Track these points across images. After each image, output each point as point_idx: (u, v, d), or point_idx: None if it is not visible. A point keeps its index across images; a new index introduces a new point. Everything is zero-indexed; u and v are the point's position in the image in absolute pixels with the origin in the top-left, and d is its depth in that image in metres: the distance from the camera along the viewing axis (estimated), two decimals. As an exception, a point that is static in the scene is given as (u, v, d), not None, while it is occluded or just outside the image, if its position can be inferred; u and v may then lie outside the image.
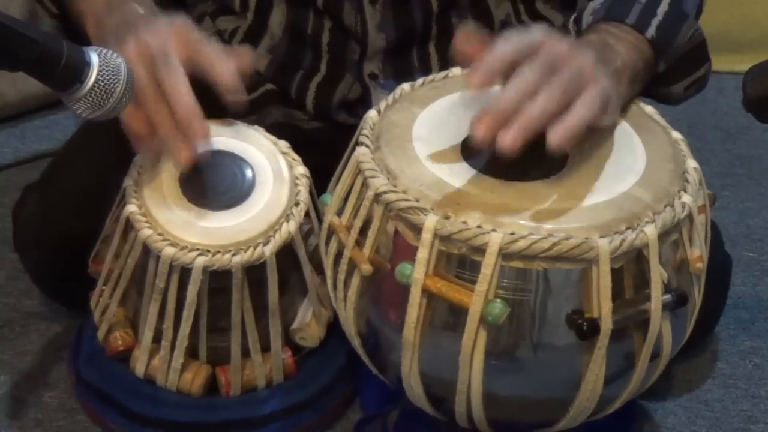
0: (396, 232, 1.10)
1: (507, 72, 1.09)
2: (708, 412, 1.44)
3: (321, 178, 1.25)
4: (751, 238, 1.72)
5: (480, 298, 1.06)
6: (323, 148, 1.29)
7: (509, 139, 1.06)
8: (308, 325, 1.33)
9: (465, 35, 1.13)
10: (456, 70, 1.24)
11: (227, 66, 1.23)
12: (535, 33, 1.12)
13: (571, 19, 1.29)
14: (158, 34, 1.23)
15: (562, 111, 1.08)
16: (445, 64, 1.39)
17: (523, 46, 1.10)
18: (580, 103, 1.09)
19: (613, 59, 1.18)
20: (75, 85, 1.12)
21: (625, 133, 1.18)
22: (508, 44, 1.09)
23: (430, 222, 1.06)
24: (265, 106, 1.45)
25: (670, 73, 1.26)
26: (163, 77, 1.21)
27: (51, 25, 1.35)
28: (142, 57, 1.21)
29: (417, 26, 1.40)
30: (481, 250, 1.05)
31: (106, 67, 1.12)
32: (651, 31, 1.21)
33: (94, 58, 1.12)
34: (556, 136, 1.07)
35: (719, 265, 1.39)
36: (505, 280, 1.06)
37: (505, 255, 1.05)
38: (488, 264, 1.05)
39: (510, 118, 1.07)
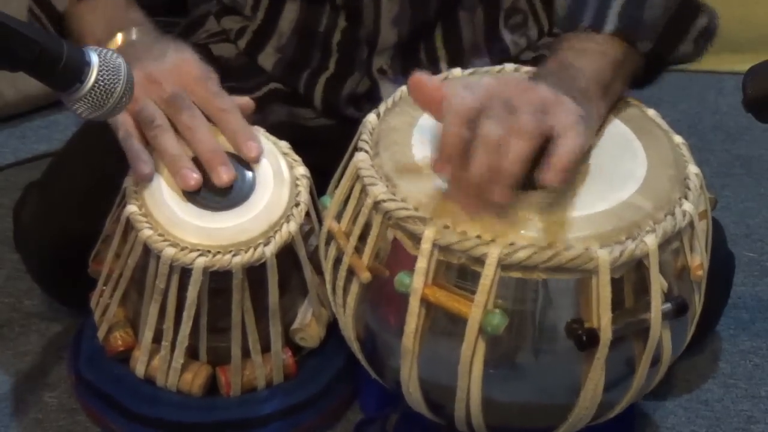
0: (395, 239, 1.10)
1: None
2: (708, 412, 1.44)
3: (323, 176, 1.25)
4: (751, 238, 1.72)
5: (479, 308, 1.05)
6: (326, 145, 1.29)
7: (498, 197, 1.04)
8: (308, 326, 1.33)
9: (416, 83, 1.09)
10: (456, 71, 1.23)
11: (250, 139, 1.26)
12: (483, 81, 1.09)
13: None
14: (168, 71, 1.25)
15: (541, 141, 1.04)
16: (453, 56, 1.39)
17: (474, 100, 1.05)
18: (562, 137, 1.05)
19: (577, 78, 1.14)
20: (75, 85, 1.12)
21: (625, 137, 1.17)
22: (461, 103, 1.05)
23: (430, 232, 1.06)
24: (268, 104, 1.44)
25: (666, 41, 1.22)
26: (184, 119, 1.24)
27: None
28: (153, 93, 1.23)
29: (431, 20, 1.40)
30: (480, 260, 1.05)
31: (106, 67, 1.12)
32: (610, 26, 1.18)
33: (94, 58, 1.12)
34: (548, 178, 1.03)
35: (722, 264, 1.38)
36: (505, 291, 1.06)
37: (504, 266, 1.05)
38: (487, 275, 1.04)
39: (490, 179, 1.03)
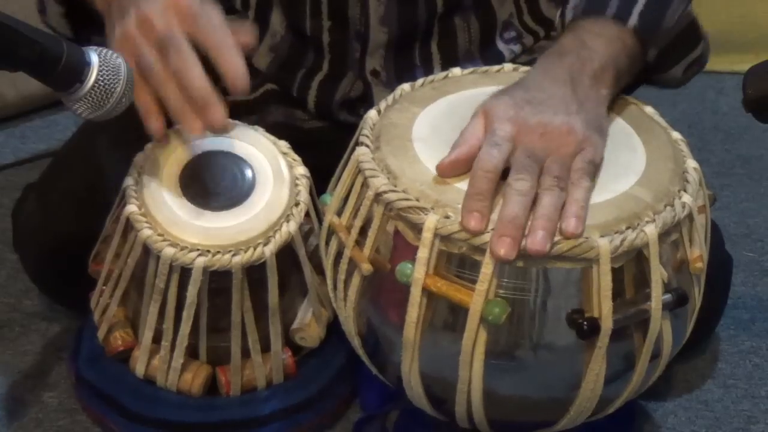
0: (396, 231, 1.10)
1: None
2: (708, 412, 1.44)
3: (321, 178, 1.25)
4: (751, 238, 1.72)
5: (480, 297, 1.06)
6: (323, 147, 1.29)
7: (538, 246, 1.04)
8: (308, 326, 1.33)
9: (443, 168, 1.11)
10: (456, 71, 1.24)
11: (237, 61, 1.20)
12: (502, 129, 1.10)
13: (557, 14, 1.28)
14: (161, 11, 1.19)
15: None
16: (447, 63, 1.38)
17: (499, 157, 1.08)
18: (577, 191, 1.07)
19: (591, 59, 1.16)
20: (75, 85, 1.12)
21: (625, 132, 1.18)
22: (488, 161, 1.08)
23: (431, 221, 1.06)
24: (265, 105, 1.44)
25: (664, 58, 1.24)
26: (173, 61, 1.18)
27: (57, 11, 1.34)
28: (146, 35, 1.18)
29: (420, 23, 1.40)
30: (481, 249, 1.05)
31: (106, 67, 1.12)
32: (633, 21, 1.19)
33: (94, 58, 1.12)
34: (570, 230, 1.05)
35: (720, 265, 1.39)
36: (506, 280, 1.06)
37: None
38: (488, 263, 1.05)
39: (524, 225, 1.05)
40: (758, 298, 1.61)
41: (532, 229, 1.04)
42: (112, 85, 1.13)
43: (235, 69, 1.20)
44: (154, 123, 1.22)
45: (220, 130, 1.23)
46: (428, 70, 1.39)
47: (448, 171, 1.10)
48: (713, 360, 1.51)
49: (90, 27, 1.32)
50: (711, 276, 1.18)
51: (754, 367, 1.50)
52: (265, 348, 1.31)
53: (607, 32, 1.19)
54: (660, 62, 1.24)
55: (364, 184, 1.12)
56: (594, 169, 1.10)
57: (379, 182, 1.10)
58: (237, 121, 1.32)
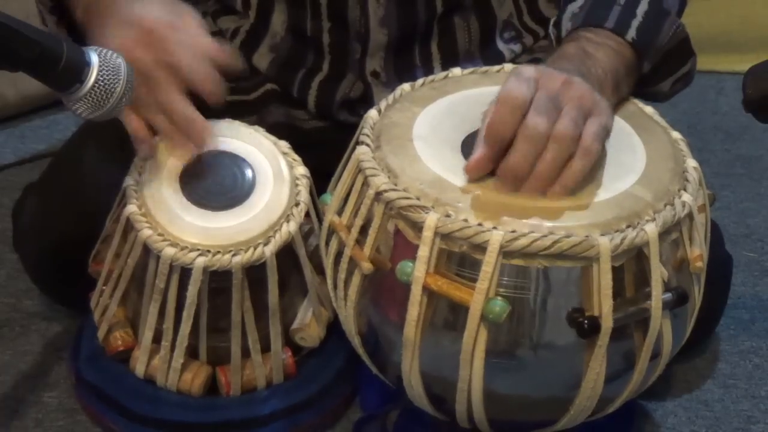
0: (396, 230, 1.10)
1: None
2: (708, 412, 1.44)
3: (321, 178, 1.25)
4: (751, 238, 1.72)
5: (481, 296, 1.06)
6: (324, 147, 1.29)
7: (534, 192, 1.08)
8: (308, 326, 1.33)
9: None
10: (456, 71, 1.24)
11: (207, 74, 1.25)
12: (527, 71, 1.12)
13: (551, 23, 1.29)
14: (134, 44, 1.22)
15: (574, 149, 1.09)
16: (447, 63, 1.39)
17: (525, 92, 1.09)
18: (583, 160, 1.09)
19: (594, 68, 1.17)
20: (75, 85, 1.12)
21: (625, 132, 1.18)
22: (514, 93, 1.09)
23: (431, 220, 1.06)
24: (265, 105, 1.45)
25: (655, 72, 1.25)
26: (155, 94, 1.23)
27: (52, 20, 1.35)
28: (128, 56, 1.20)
29: (419, 23, 1.40)
30: (481, 248, 1.05)
31: (106, 67, 1.12)
32: (631, 34, 1.21)
33: (94, 58, 1.12)
34: (561, 186, 1.09)
35: (720, 265, 1.39)
36: (506, 278, 1.07)
37: (505, 253, 1.05)
38: (489, 262, 1.05)
39: (526, 174, 1.08)
40: (758, 298, 1.61)
41: (531, 177, 1.08)
42: (112, 85, 1.13)
43: (205, 83, 1.25)
44: (145, 149, 1.27)
45: (208, 145, 1.27)
46: (428, 71, 1.39)
47: (474, 172, 1.10)
48: (713, 360, 1.51)
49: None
50: (711, 276, 1.18)
51: (754, 367, 1.50)
52: (265, 348, 1.31)
53: (608, 44, 1.21)
54: (651, 76, 1.25)
55: (365, 183, 1.12)
56: (606, 136, 1.11)
57: (380, 181, 1.10)
58: (237, 121, 1.33)
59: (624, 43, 1.21)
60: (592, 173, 1.12)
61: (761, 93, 1.18)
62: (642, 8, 1.23)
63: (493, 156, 1.09)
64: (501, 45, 1.45)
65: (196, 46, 1.25)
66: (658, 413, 1.43)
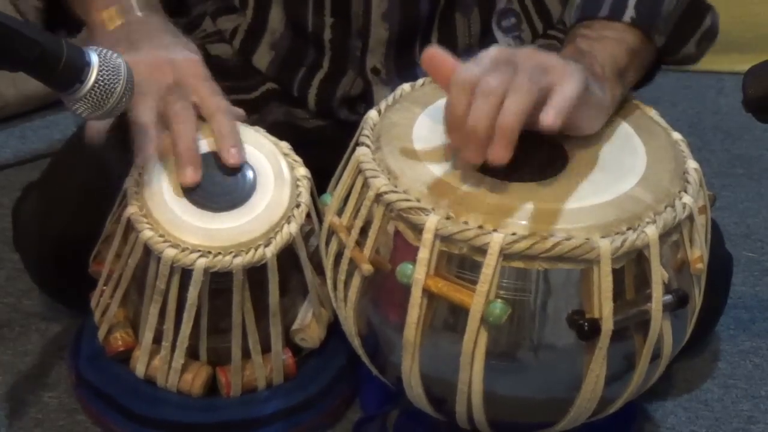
0: (396, 232, 1.10)
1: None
2: (708, 412, 1.44)
3: (322, 177, 1.25)
4: (751, 238, 1.72)
5: (481, 298, 1.06)
6: (324, 146, 1.29)
7: (498, 156, 1.07)
8: (308, 326, 1.33)
9: (430, 55, 1.12)
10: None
11: (235, 146, 1.26)
12: (491, 51, 1.11)
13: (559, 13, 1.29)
14: (176, 65, 1.25)
15: (539, 102, 1.07)
16: None
17: (480, 70, 1.08)
18: (559, 85, 1.08)
19: (593, 64, 1.16)
20: (75, 85, 1.12)
21: (625, 133, 1.18)
22: (467, 73, 1.08)
23: (431, 222, 1.06)
24: (266, 104, 1.45)
25: (673, 39, 1.23)
26: (175, 107, 1.24)
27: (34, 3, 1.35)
28: (159, 79, 1.23)
29: (421, 18, 1.40)
30: (482, 250, 1.05)
31: (106, 67, 1.12)
32: (629, 14, 1.19)
33: (94, 58, 1.12)
34: (548, 119, 1.06)
35: (720, 265, 1.39)
36: (506, 281, 1.07)
37: (506, 255, 1.05)
38: (489, 264, 1.05)
39: (488, 133, 1.06)
40: (758, 298, 1.61)
41: (494, 137, 1.06)
42: (112, 85, 1.13)
43: (230, 141, 1.26)
44: (152, 146, 1.26)
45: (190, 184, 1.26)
46: None
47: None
48: (713, 360, 1.51)
49: (63, 26, 1.33)
50: (711, 276, 1.18)
51: (754, 367, 1.50)
52: (266, 349, 1.31)
53: (604, 35, 1.19)
54: (670, 45, 1.23)
55: (365, 185, 1.12)
56: (583, 84, 1.10)
57: (380, 183, 1.10)
58: (238, 122, 1.32)
59: (624, 27, 1.19)
60: (593, 175, 1.12)
61: (761, 93, 1.18)
62: None
63: (462, 140, 1.08)
64: (499, 35, 1.45)
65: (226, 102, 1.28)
66: (658, 413, 1.43)
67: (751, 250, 1.69)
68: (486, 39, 1.44)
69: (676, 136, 1.19)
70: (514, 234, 1.05)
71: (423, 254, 1.07)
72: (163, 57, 1.26)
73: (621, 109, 1.21)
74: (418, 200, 1.08)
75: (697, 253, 1.13)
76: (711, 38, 1.27)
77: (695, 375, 1.48)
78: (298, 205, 1.27)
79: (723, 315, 1.49)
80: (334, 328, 1.32)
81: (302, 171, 1.30)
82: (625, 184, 1.11)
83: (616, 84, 1.18)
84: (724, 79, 2.02)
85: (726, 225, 1.66)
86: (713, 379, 1.48)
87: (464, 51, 1.43)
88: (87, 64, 1.12)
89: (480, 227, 1.06)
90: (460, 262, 1.08)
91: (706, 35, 1.26)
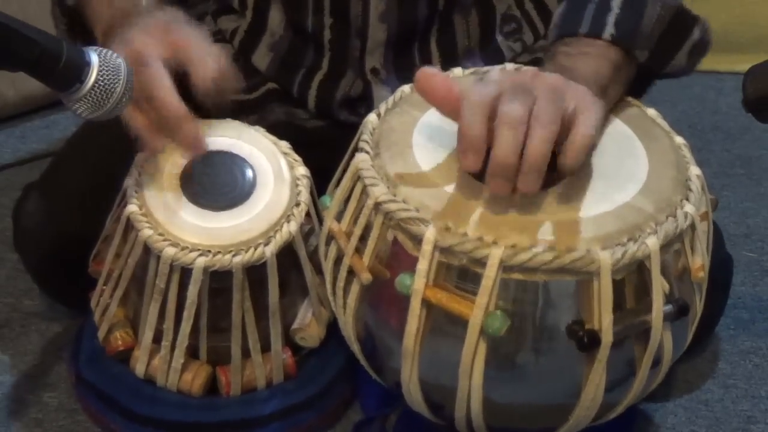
0: (396, 240, 1.09)
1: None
2: (708, 412, 1.44)
3: (322, 177, 1.25)
4: (751, 238, 1.72)
5: (480, 310, 1.04)
6: (324, 147, 1.29)
7: (530, 187, 1.04)
8: (308, 326, 1.33)
9: (426, 78, 1.09)
10: (457, 71, 1.22)
11: (205, 68, 1.22)
12: (492, 74, 1.10)
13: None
14: (143, 33, 1.22)
15: (560, 126, 1.05)
16: (447, 61, 1.39)
17: (491, 91, 1.06)
18: (581, 114, 1.06)
19: (575, 80, 1.13)
20: (75, 85, 1.12)
21: (627, 138, 1.16)
22: (480, 96, 1.05)
23: (431, 233, 1.05)
24: (266, 105, 1.45)
25: (658, 53, 1.22)
26: (143, 80, 1.20)
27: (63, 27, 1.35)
28: (131, 58, 1.19)
29: (420, 20, 1.40)
30: (481, 262, 1.04)
31: (106, 67, 1.12)
32: (609, 31, 1.18)
33: (94, 58, 1.12)
34: (568, 159, 1.06)
35: (720, 265, 1.38)
36: (506, 292, 1.05)
37: (506, 267, 1.04)
38: (489, 276, 1.03)
39: (518, 164, 1.04)
40: (758, 298, 1.61)
41: (523, 169, 1.03)
42: (112, 85, 1.13)
43: (203, 74, 1.22)
44: (152, 147, 1.25)
45: (199, 149, 1.24)
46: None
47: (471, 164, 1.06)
48: (713, 360, 1.51)
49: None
50: (711, 276, 1.17)
51: (754, 367, 1.50)
52: (266, 348, 1.31)
53: (585, 51, 1.18)
54: (656, 59, 1.22)
55: (364, 192, 1.11)
56: (600, 113, 1.09)
57: (379, 191, 1.09)
58: (238, 121, 1.33)
59: (604, 44, 1.18)
60: (594, 183, 1.10)
61: (761, 93, 1.18)
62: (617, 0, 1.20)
63: (477, 163, 1.05)
64: (500, 40, 1.45)
65: (206, 42, 1.24)
66: (658, 413, 1.43)
67: (751, 250, 1.69)
68: (486, 41, 1.44)
69: (679, 140, 1.17)
70: (514, 246, 1.04)
71: (422, 265, 1.05)
72: (129, 33, 1.22)
73: (622, 112, 1.19)
74: (417, 210, 1.07)
75: (699, 262, 1.12)
76: (702, 50, 1.25)
77: (695, 375, 1.48)
78: (297, 204, 1.27)
79: (723, 315, 1.49)
80: (334, 327, 1.32)
81: (302, 170, 1.30)
82: (626, 192, 1.09)
83: (600, 98, 1.17)
84: (724, 79, 2.02)
85: (726, 225, 1.66)
86: (713, 379, 1.48)
87: (464, 54, 1.43)
88: (87, 64, 1.12)
89: (479, 239, 1.04)
90: (459, 272, 1.06)
91: (696, 48, 1.24)
